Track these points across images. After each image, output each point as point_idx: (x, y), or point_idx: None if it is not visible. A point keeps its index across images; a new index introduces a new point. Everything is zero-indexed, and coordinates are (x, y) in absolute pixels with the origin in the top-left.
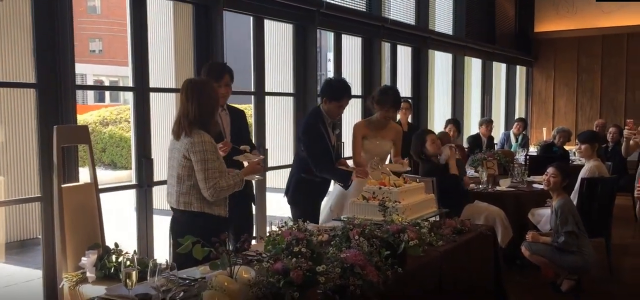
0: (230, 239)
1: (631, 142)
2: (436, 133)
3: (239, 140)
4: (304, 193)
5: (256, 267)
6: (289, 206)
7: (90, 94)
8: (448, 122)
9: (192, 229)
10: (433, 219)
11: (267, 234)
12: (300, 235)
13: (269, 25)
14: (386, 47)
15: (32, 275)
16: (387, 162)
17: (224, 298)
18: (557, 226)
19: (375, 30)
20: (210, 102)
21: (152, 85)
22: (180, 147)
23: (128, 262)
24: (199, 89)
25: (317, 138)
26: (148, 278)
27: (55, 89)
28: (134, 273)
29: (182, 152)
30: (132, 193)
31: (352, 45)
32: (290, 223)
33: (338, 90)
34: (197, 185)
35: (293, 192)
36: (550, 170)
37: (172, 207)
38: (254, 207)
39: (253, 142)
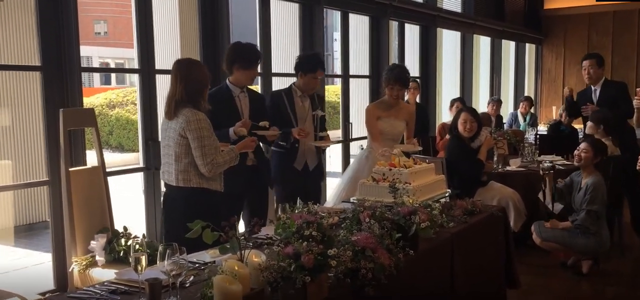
0: (244, 217)
1: None
2: (476, 112)
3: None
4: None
5: (267, 251)
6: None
7: (97, 76)
8: (453, 101)
9: (189, 204)
10: (443, 200)
11: (277, 218)
12: (310, 218)
13: (275, 5)
14: (394, 25)
15: (42, 259)
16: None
17: (234, 282)
18: (583, 202)
19: (382, 8)
20: (198, 82)
21: (157, 66)
22: (176, 126)
23: (137, 247)
24: (186, 70)
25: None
26: (157, 262)
27: (60, 71)
28: (143, 258)
29: (178, 131)
30: (140, 176)
31: (359, 24)
32: (300, 207)
33: (311, 62)
34: (194, 162)
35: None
36: (582, 145)
37: (168, 184)
38: (271, 191)
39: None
